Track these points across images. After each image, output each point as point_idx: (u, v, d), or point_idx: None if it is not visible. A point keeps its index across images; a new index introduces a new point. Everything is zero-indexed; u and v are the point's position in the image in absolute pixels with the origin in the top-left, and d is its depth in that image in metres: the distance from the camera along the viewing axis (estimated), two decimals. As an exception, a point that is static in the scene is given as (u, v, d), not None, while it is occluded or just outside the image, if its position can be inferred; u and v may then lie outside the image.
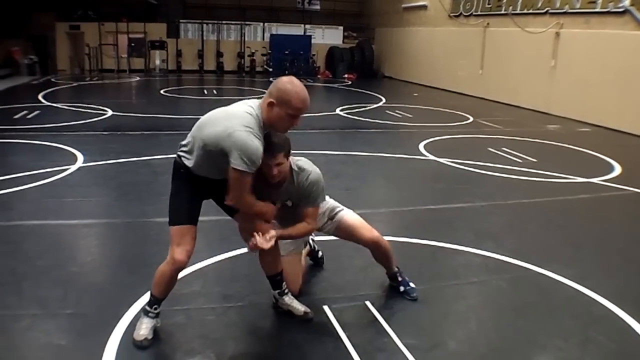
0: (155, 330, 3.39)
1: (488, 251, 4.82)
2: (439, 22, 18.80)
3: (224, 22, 23.64)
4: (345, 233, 3.89)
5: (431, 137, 9.90)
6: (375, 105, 14.31)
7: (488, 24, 16.06)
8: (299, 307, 3.70)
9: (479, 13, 16.64)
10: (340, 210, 3.89)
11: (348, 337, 3.45)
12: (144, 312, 3.43)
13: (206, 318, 3.68)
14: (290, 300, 3.72)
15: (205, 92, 17.14)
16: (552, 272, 4.44)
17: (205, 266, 4.38)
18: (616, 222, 6.03)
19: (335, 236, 3.99)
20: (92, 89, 17.43)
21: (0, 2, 17.43)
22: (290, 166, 3.47)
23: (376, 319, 3.68)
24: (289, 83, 3.08)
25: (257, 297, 3.88)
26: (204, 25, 23.40)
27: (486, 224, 5.76)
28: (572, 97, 12.83)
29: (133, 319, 3.53)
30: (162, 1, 22.93)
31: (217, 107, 3.19)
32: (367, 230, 3.83)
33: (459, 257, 4.77)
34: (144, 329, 3.35)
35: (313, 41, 24.08)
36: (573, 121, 12.58)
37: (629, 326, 3.66)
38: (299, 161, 3.57)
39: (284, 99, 3.04)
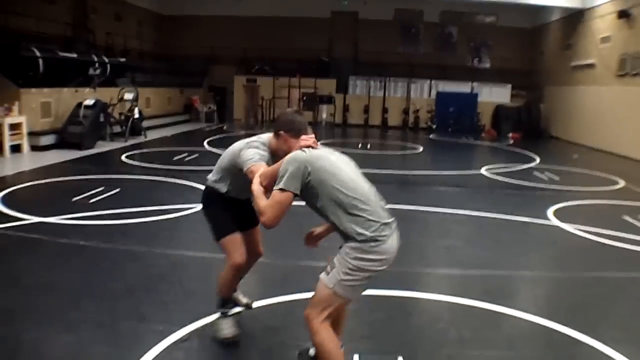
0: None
1: (564, 324, 4.48)
2: (606, 81, 17.73)
3: (391, 78, 24.33)
4: None
5: (567, 202, 9.33)
6: (525, 166, 13.79)
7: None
8: (242, 298, 4.20)
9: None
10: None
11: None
12: (222, 314, 3.88)
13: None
14: (237, 294, 4.19)
15: (360, 145, 17.55)
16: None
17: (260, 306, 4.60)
18: None
19: None
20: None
21: (186, 58, 19.71)
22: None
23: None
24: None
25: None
26: (372, 81, 24.32)
27: (576, 297, 5.36)
28: None
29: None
30: (335, 58, 24.28)
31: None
32: None
33: (506, 323, 4.53)
34: (231, 327, 3.85)
35: (480, 99, 23.76)
36: None
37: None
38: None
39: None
